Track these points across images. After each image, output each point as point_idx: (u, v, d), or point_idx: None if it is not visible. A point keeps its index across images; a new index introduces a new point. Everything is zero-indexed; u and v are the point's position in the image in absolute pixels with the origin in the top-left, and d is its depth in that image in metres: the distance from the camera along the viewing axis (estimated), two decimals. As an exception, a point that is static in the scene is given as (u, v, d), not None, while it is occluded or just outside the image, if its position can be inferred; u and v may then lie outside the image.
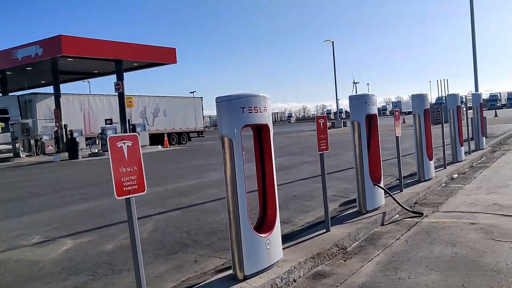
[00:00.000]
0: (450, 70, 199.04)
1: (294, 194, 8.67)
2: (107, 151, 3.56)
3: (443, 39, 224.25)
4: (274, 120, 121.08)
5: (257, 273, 4.12)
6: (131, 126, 28.88)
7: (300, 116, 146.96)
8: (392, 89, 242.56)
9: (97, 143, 27.25)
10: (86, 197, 10.21)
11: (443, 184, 9.05)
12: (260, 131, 4.45)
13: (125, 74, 29.29)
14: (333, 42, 55.83)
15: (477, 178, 9.46)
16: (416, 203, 7.55)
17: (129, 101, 28.88)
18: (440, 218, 6.41)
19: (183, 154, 24.21)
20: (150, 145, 30.33)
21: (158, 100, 37.19)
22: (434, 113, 33.78)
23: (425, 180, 8.80)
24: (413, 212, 6.75)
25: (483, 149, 13.94)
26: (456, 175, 9.86)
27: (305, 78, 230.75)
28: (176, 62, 29.72)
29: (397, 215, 6.78)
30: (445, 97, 32.81)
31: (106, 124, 29.30)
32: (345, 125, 49.53)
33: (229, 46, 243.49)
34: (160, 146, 30.90)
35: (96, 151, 26.01)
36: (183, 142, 37.93)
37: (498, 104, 77.19)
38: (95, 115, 32.83)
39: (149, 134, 35.20)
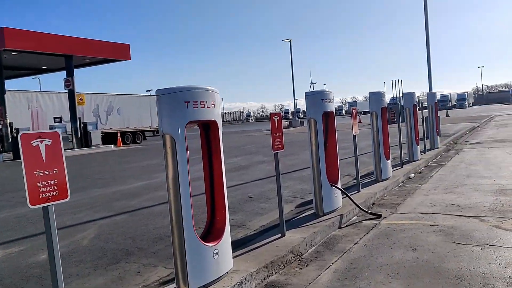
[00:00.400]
0: (403, 72, 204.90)
1: (249, 195, 8.29)
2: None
3: (398, 41, 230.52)
4: (232, 119, 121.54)
5: (204, 287, 3.75)
6: (82, 125, 27.66)
7: (259, 116, 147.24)
8: (348, 89, 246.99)
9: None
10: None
11: (401, 184, 8.91)
12: (208, 129, 4.04)
13: (78, 71, 28.10)
14: (290, 42, 55.90)
15: (434, 178, 9.38)
16: (374, 204, 7.32)
17: (80, 99, 27.69)
18: (399, 219, 6.19)
19: (136, 153, 23.37)
20: (103, 144, 29.23)
21: (112, 98, 35.92)
22: (389, 112, 34.40)
23: (383, 180, 8.62)
24: (371, 213, 6.50)
25: (438, 148, 14.04)
26: (413, 175, 9.76)
27: (264, 78, 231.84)
28: (130, 59, 28.73)
29: (355, 217, 6.52)
30: (400, 97, 33.39)
31: (55, 122, 27.99)
32: (302, 125, 49.68)
33: (187, 45, 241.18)
34: (113, 145, 29.75)
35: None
36: (138, 142, 36.86)
37: (448, 105, 79.67)
38: (44, 113, 31.30)
39: (102, 133, 33.98)
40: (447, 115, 41.63)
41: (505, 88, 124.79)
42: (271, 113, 5.19)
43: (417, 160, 11.31)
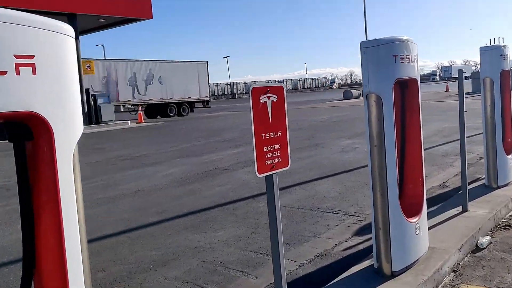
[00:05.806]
0: None
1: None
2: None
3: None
4: (314, 86, 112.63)
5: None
6: (92, 97, 22.78)
7: (346, 83, 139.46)
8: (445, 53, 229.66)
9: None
10: None
11: None
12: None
13: (102, 34, 24.95)
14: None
15: None
16: None
17: (88, 66, 23.88)
18: None
19: (141, 135, 16.88)
20: (148, 118, 25.35)
21: (151, 65, 32.51)
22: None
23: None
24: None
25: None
26: (488, 238, 5.44)
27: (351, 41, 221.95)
28: (152, 17, 24.52)
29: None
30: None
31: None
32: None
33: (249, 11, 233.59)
34: (129, 121, 24.01)
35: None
36: (184, 114, 32.95)
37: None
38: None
39: (143, 105, 31.07)
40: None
41: None
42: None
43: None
